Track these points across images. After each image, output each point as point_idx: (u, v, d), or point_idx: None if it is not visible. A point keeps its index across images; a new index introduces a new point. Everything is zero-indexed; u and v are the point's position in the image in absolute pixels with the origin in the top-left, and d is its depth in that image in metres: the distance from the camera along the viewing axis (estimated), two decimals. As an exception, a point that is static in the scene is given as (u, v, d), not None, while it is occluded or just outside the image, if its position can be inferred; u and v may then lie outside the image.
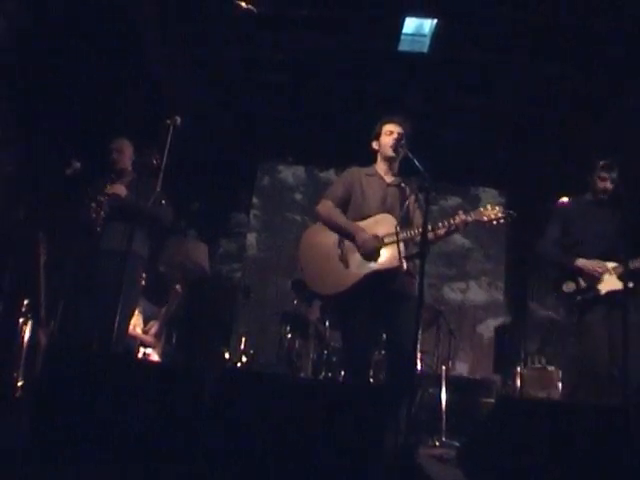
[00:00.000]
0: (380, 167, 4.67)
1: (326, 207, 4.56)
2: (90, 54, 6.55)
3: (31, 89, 5.92)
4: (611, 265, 4.89)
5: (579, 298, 4.91)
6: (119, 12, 6.61)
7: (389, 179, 4.62)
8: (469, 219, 4.28)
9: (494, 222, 4.31)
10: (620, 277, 4.77)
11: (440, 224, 4.28)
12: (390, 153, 4.54)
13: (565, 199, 5.26)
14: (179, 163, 5.15)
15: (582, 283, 4.92)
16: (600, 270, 4.87)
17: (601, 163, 4.97)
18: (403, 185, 4.57)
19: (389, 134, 4.57)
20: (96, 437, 3.04)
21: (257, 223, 10.31)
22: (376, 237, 4.30)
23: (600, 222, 4.99)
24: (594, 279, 4.87)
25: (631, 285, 4.58)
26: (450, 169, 8.73)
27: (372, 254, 4.28)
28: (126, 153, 5.50)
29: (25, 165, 5.95)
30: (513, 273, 10.03)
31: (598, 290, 4.85)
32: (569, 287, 4.95)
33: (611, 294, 4.81)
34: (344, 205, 4.58)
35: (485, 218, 4.30)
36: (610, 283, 4.85)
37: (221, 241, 9.89)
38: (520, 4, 6.72)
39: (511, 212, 4.33)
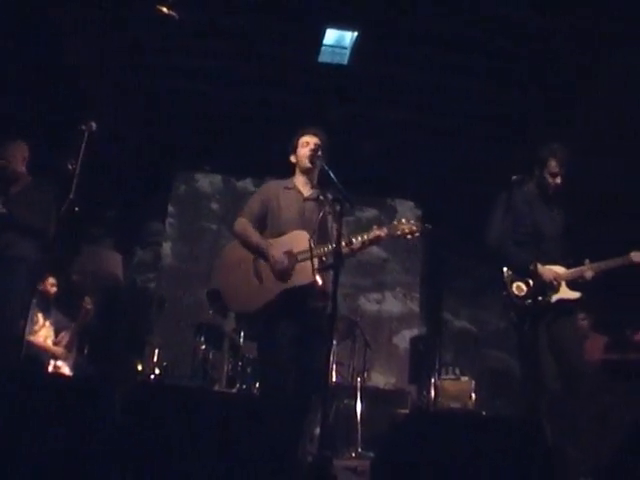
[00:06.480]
0: (298, 180, 4.64)
1: (241, 225, 4.51)
2: (5, 54, 6.38)
3: None
4: (563, 271, 4.66)
5: (528, 302, 4.55)
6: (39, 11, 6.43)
7: (307, 192, 4.60)
8: (382, 234, 4.30)
9: (409, 236, 4.33)
10: (570, 285, 4.63)
11: (354, 240, 4.26)
12: (307, 164, 4.53)
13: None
14: (94, 169, 5.02)
15: (533, 288, 4.57)
16: (559, 280, 4.61)
17: (555, 156, 4.73)
18: (321, 198, 4.55)
19: (305, 145, 4.55)
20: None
21: (173, 232, 10.14)
22: (290, 254, 4.27)
23: (549, 222, 4.79)
24: (551, 288, 4.60)
25: (579, 295, 4.63)
26: (367, 181, 8.80)
27: (284, 273, 4.24)
28: (16, 157, 5.25)
29: None
30: (428, 284, 10.17)
31: (550, 298, 4.59)
32: (520, 290, 4.58)
33: (560, 302, 4.61)
34: (261, 221, 4.53)
35: (399, 232, 4.30)
36: (562, 291, 4.62)
37: (136, 250, 9.69)
38: (439, 20, 6.82)
39: (427, 225, 4.36)
